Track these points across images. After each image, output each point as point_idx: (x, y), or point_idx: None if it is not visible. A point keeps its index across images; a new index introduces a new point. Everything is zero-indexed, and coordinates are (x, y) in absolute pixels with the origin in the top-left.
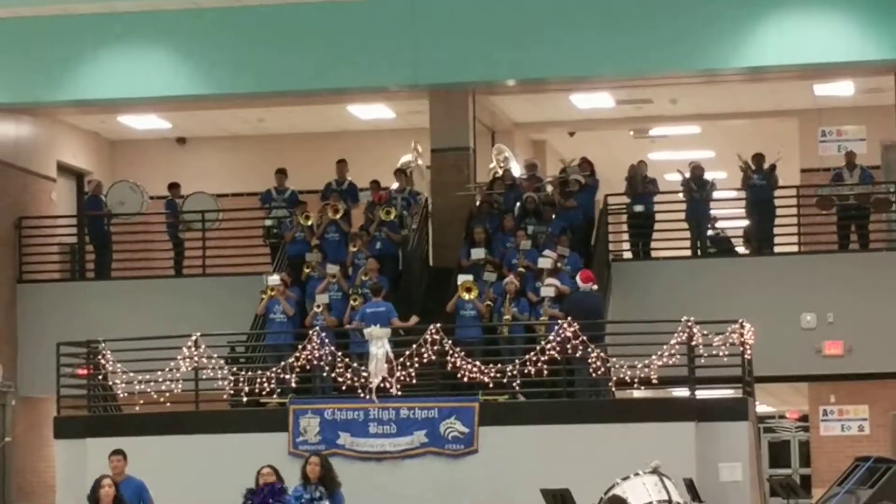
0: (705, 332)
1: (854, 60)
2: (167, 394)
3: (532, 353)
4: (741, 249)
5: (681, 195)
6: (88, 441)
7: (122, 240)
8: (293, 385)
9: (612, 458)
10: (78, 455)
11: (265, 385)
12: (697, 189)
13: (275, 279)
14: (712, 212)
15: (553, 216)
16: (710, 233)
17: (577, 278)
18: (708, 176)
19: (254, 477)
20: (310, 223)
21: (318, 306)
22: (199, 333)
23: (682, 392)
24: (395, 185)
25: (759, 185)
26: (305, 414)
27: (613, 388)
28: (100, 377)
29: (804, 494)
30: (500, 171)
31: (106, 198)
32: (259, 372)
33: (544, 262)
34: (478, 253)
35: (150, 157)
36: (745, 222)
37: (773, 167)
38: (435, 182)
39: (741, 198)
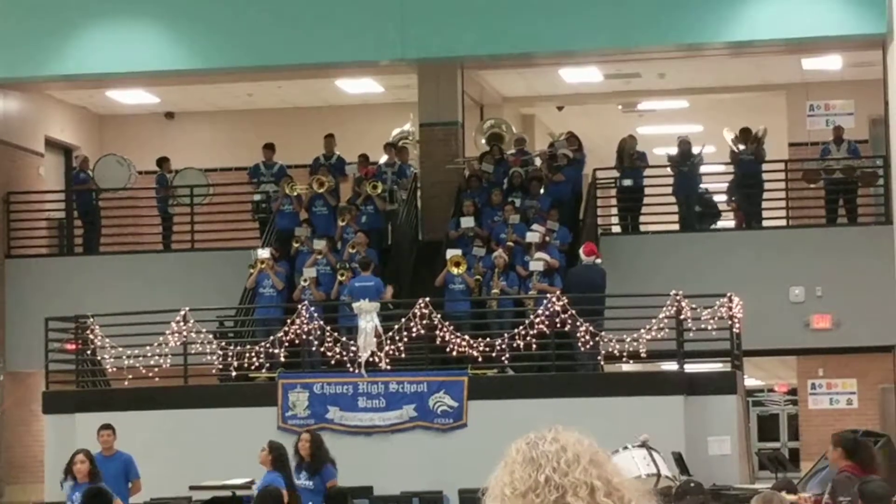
0: (694, 305)
1: (842, 34)
2: (156, 368)
3: (521, 327)
4: (727, 224)
5: (669, 169)
6: (77, 416)
7: (111, 214)
8: (282, 359)
9: (600, 431)
10: (67, 430)
11: (254, 359)
12: (686, 163)
13: (264, 253)
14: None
15: (540, 190)
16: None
17: (581, 251)
18: (695, 150)
19: (243, 451)
20: (296, 193)
21: (306, 280)
22: (187, 308)
23: (670, 366)
24: (383, 159)
25: (747, 160)
26: (294, 388)
27: (602, 362)
28: (88, 352)
29: (793, 468)
30: (514, 148)
31: (93, 172)
32: (248, 346)
33: (532, 236)
34: (467, 222)
35: (138, 131)
36: (731, 193)
37: (757, 139)
38: (423, 156)
39: (729, 172)
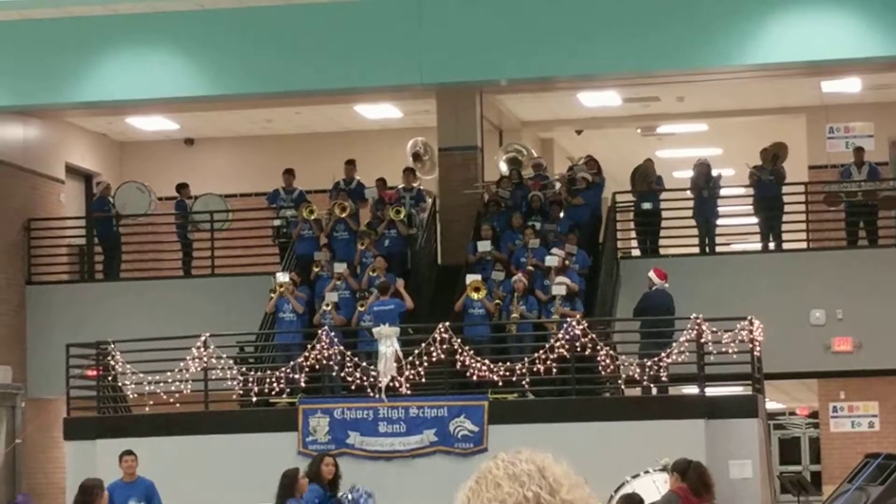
0: (714, 329)
1: (861, 57)
2: (177, 394)
3: (541, 351)
4: (754, 246)
5: (689, 192)
6: (98, 442)
7: (131, 241)
8: (302, 384)
9: (621, 455)
10: (88, 456)
11: (274, 385)
12: (705, 186)
13: (283, 276)
14: (720, 209)
15: (560, 214)
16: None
17: (653, 275)
18: (715, 173)
19: (264, 476)
20: (314, 217)
21: (328, 305)
22: (208, 333)
23: (691, 389)
24: (402, 185)
25: (767, 182)
26: (315, 413)
27: (623, 386)
28: (109, 378)
29: (814, 491)
30: (532, 172)
31: (113, 199)
32: (268, 372)
33: (552, 261)
34: (484, 245)
35: (158, 158)
36: (754, 219)
37: (775, 157)
38: (443, 181)
39: (749, 195)
